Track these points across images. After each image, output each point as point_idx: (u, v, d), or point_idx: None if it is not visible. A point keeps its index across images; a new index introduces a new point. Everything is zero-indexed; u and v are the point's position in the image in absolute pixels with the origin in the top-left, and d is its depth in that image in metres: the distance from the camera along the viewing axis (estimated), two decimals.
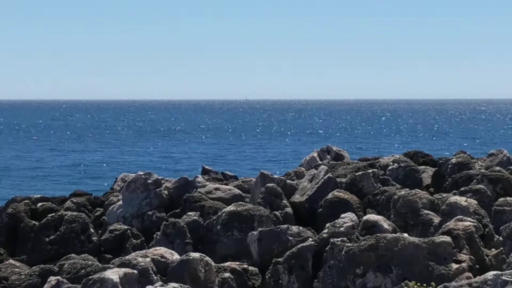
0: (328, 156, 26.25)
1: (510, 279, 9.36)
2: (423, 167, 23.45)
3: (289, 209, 19.64)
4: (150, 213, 20.72)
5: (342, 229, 16.10)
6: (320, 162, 25.07)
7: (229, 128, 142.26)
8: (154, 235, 18.85)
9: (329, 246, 14.88)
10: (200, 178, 22.27)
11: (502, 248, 15.68)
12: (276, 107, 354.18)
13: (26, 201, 23.26)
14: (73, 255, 17.63)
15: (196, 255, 14.30)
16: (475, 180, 20.08)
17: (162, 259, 14.69)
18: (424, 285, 12.18)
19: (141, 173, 21.95)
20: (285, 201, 19.91)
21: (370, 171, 21.07)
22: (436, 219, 17.18)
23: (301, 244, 15.91)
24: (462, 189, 19.34)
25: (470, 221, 15.74)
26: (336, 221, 16.52)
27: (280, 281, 15.57)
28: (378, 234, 14.60)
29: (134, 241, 19.35)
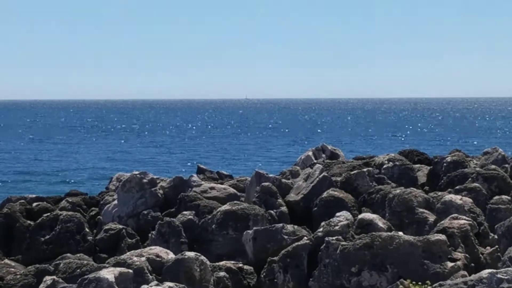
0: (323, 155, 26.27)
1: (505, 277, 9.36)
2: (418, 165, 23.49)
3: (284, 208, 19.64)
4: (145, 212, 20.73)
5: (337, 227, 16.08)
6: (315, 161, 25.09)
7: (227, 127, 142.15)
8: (149, 235, 18.83)
9: (324, 244, 14.86)
10: (195, 177, 22.27)
11: (497, 246, 15.68)
12: (275, 107, 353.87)
13: (22, 201, 23.27)
14: (68, 254, 17.60)
15: (191, 254, 14.26)
16: (470, 179, 20.09)
17: (158, 258, 14.66)
18: (419, 283, 12.16)
19: (136, 172, 21.93)
20: (280, 200, 19.91)
21: (365, 169, 21.08)
22: (431, 218, 17.17)
23: (296, 243, 15.89)
24: (457, 187, 19.35)
25: (465, 219, 15.74)
26: (331, 219, 16.50)
27: (275, 280, 15.55)
28: (373, 233, 14.56)
29: (129, 240, 19.34)
